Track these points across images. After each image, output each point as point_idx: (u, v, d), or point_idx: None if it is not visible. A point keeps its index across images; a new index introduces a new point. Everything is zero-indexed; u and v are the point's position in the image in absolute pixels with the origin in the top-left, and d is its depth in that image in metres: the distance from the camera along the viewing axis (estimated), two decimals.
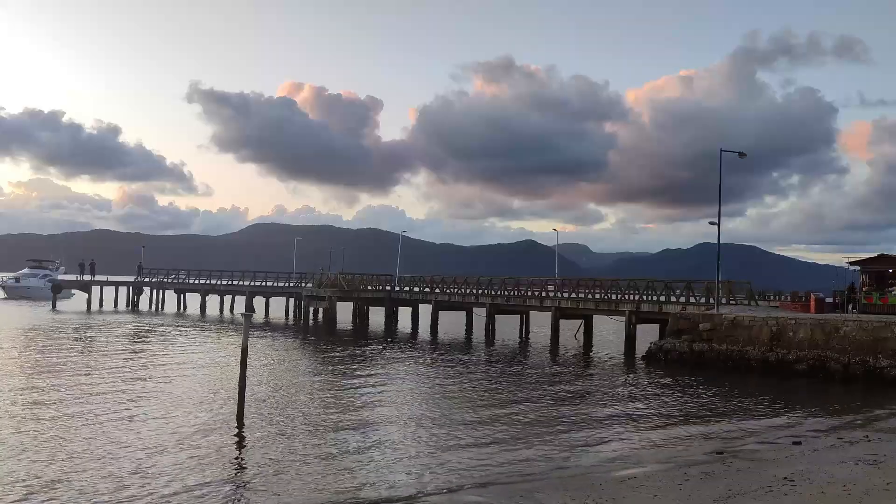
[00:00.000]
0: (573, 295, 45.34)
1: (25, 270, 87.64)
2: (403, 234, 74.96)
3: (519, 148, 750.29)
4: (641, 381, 27.87)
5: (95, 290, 70.76)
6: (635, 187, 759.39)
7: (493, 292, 48.89)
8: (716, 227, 36.65)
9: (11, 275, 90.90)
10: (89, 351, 32.92)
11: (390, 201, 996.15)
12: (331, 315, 53.52)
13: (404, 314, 56.75)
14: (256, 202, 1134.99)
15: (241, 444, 15.44)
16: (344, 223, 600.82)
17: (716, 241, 36.46)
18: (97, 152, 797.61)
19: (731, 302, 39.06)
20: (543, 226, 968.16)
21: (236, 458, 14.29)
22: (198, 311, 64.86)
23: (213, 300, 69.75)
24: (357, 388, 23.96)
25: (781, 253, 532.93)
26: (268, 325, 52.97)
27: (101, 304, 68.99)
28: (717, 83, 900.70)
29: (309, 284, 60.99)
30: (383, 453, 14.93)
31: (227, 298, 69.62)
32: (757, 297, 43.49)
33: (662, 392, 24.83)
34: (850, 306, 35.02)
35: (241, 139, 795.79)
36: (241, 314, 19.67)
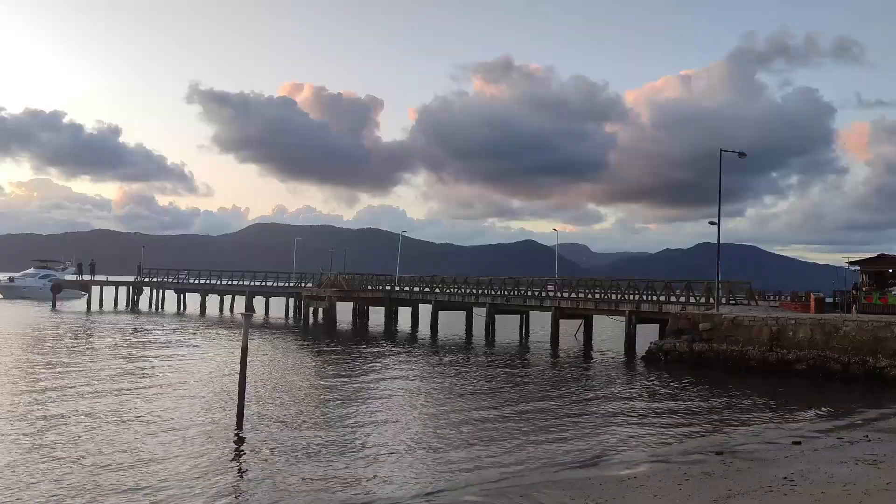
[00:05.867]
0: (573, 295, 45.33)
1: (30, 270, 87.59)
2: (403, 234, 75.09)
3: (519, 148, 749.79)
4: (641, 381, 27.87)
5: (95, 289, 70.84)
6: (635, 187, 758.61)
7: (493, 292, 48.90)
8: (716, 227, 36.67)
9: (10, 275, 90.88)
10: (88, 351, 32.91)
11: (390, 201, 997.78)
12: (331, 315, 53.56)
13: (404, 314, 56.74)
14: (256, 202, 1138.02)
15: (240, 444, 15.44)
16: (344, 223, 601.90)
17: (716, 241, 36.46)
18: (98, 152, 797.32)
19: (731, 302, 39.05)
20: (543, 226, 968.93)
21: (236, 458, 14.29)
22: (198, 311, 64.88)
23: (213, 300, 69.79)
24: (357, 388, 23.95)
25: (781, 253, 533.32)
26: (268, 325, 52.97)
27: (101, 304, 69.04)
28: (715, 84, 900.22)
29: (309, 284, 61.00)
30: (383, 453, 14.93)
31: (227, 298, 69.78)
32: (757, 297, 43.48)
33: (662, 392, 24.84)
34: (854, 307, 34.81)
35: (242, 139, 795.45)
36: (241, 314, 19.68)
